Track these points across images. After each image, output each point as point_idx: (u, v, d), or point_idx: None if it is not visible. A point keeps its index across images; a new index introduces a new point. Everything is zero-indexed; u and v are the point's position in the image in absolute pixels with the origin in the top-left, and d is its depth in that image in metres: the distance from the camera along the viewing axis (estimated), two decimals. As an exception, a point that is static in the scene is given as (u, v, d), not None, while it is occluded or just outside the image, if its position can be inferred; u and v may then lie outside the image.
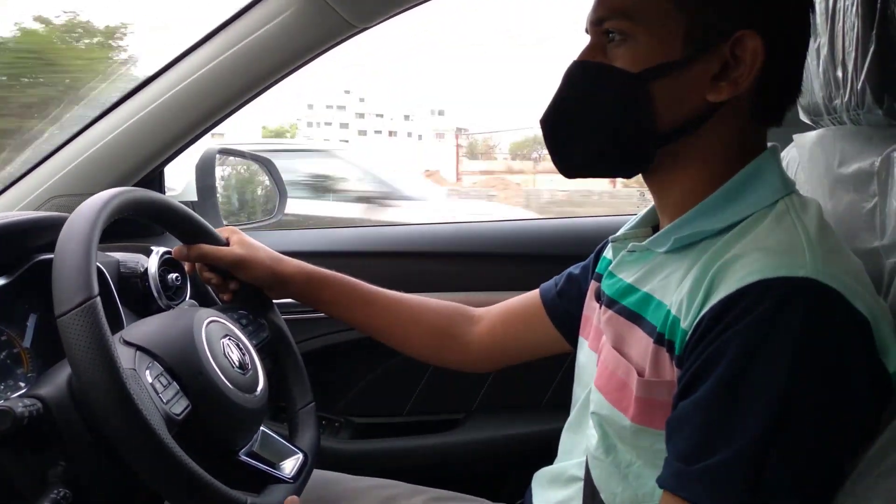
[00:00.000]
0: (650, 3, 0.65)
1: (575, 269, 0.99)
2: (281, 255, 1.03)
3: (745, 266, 0.58)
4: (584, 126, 0.70)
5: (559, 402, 1.11)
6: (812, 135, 0.80)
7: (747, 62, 0.64)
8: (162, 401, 0.71)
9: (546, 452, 0.93)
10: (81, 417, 0.68)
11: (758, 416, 0.54)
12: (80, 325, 0.64)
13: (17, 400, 0.66)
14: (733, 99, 0.66)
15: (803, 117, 0.81)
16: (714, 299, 0.59)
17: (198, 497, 0.67)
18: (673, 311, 0.64)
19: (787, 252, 0.59)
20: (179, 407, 0.73)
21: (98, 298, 0.66)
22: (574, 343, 0.93)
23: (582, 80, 0.70)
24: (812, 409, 0.54)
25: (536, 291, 1.02)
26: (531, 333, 1.01)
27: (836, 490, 0.56)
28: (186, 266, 1.03)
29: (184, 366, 0.76)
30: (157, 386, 0.72)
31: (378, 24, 1.17)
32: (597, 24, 0.68)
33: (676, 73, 0.65)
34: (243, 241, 1.01)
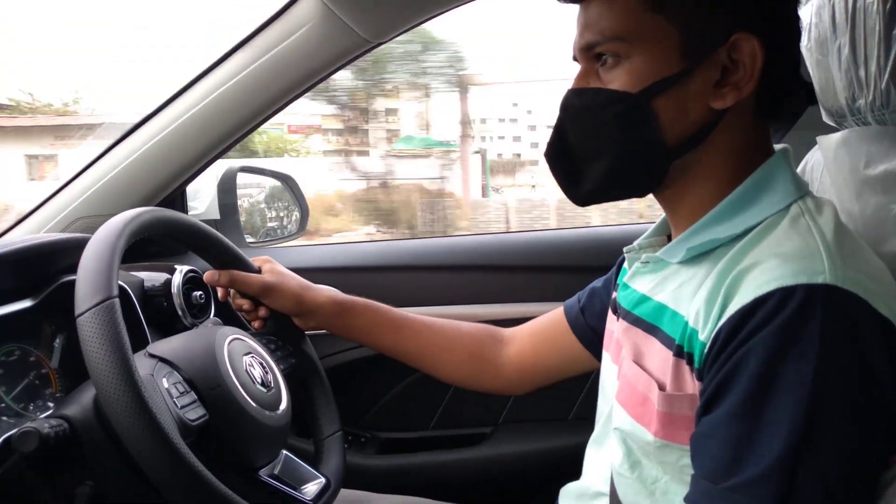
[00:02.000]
0: (641, 21, 0.64)
1: (597, 282, 0.98)
2: (311, 285, 1.03)
3: (762, 273, 0.57)
4: (590, 153, 0.69)
5: (586, 416, 1.09)
6: (836, 136, 0.78)
7: (747, 65, 0.63)
8: (177, 406, 0.71)
9: (573, 466, 0.92)
10: (108, 437, 0.69)
11: (784, 429, 0.53)
12: (97, 323, 0.64)
13: (44, 420, 0.67)
14: (738, 103, 0.65)
15: (826, 119, 0.80)
16: (732, 309, 0.57)
17: (204, 500, 0.66)
18: (690, 323, 0.62)
19: (805, 258, 0.57)
20: (194, 414, 0.73)
21: (117, 300, 0.67)
22: (601, 358, 0.92)
23: (580, 108, 0.69)
24: (839, 418, 0.53)
25: (561, 309, 1.01)
26: (559, 353, 1.01)
27: (870, 500, 0.54)
28: (220, 292, 1.04)
29: (202, 377, 0.77)
30: (174, 391, 0.72)
31: (392, 39, 1.18)
32: (586, 50, 0.68)
33: (677, 87, 0.64)
34: (274, 270, 1.02)
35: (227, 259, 0.97)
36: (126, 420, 0.63)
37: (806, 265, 0.56)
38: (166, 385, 0.72)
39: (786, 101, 0.68)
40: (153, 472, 0.64)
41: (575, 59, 0.71)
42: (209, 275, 0.98)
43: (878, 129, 0.72)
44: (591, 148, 0.69)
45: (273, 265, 1.02)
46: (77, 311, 0.66)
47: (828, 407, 0.52)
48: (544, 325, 1.03)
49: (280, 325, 1.03)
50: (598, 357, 0.94)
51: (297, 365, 1.00)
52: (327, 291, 1.04)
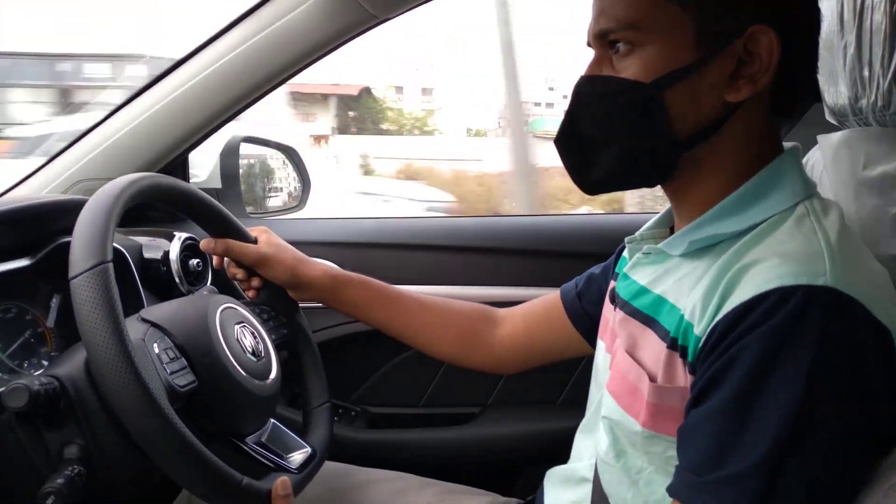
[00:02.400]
0: (656, 10, 0.63)
1: (595, 269, 0.98)
2: (306, 258, 1.03)
3: (763, 272, 0.57)
4: (601, 142, 0.69)
5: (575, 400, 1.10)
6: (837, 136, 0.77)
7: (763, 58, 0.62)
8: (167, 371, 0.72)
9: (560, 450, 0.93)
10: (97, 397, 0.69)
11: (772, 427, 0.53)
12: (90, 286, 0.65)
13: (35, 378, 0.67)
14: (753, 96, 0.64)
15: (829, 117, 0.79)
16: (729, 305, 0.57)
17: (189, 465, 0.67)
18: (686, 316, 0.62)
19: (807, 259, 0.57)
20: (184, 380, 0.74)
21: (111, 264, 0.67)
22: (594, 345, 0.92)
23: (592, 95, 0.68)
24: (829, 421, 0.53)
25: (557, 293, 1.02)
26: (553, 336, 1.01)
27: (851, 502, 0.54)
28: (214, 260, 1.04)
29: (193, 344, 0.77)
30: (164, 357, 0.73)
31: (399, 14, 1.17)
32: (600, 37, 0.67)
33: (691, 78, 0.63)
34: (270, 241, 1.01)
35: (223, 228, 0.97)
36: (115, 384, 0.63)
37: (808, 266, 0.56)
38: (157, 350, 0.73)
39: (801, 97, 0.68)
40: (141, 436, 0.65)
41: (589, 44, 0.70)
42: (205, 242, 0.99)
43: (879, 131, 0.72)
44: (602, 136, 0.68)
45: (270, 236, 1.02)
46: (71, 274, 0.66)
47: (818, 409, 0.53)
48: (539, 307, 1.04)
49: (274, 295, 1.03)
50: (592, 343, 0.95)
51: (289, 335, 1.00)
52: (322, 265, 1.04)
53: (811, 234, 0.60)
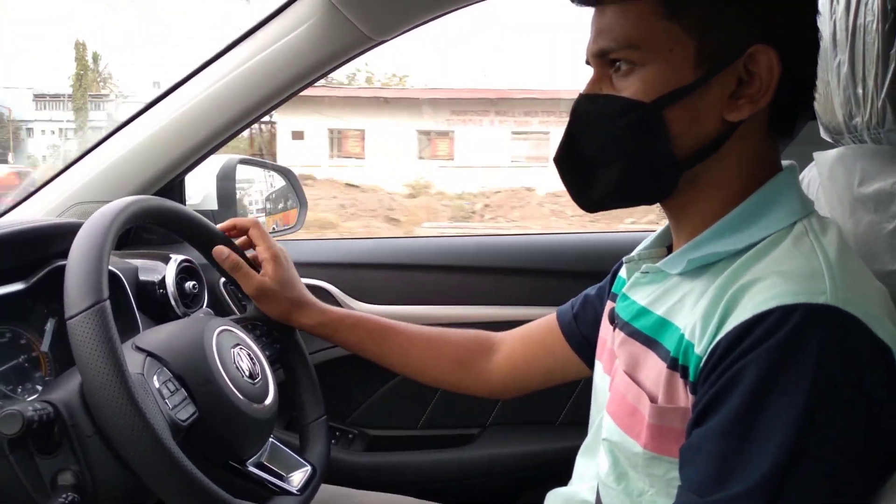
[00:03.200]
0: (655, 30, 0.63)
1: (591, 290, 0.98)
2: (305, 301, 1.02)
3: (763, 291, 0.57)
4: (600, 161, 0.68)
5: (575, 421, 1.09)
6: (832, 153, 0.78)
7: (763, 77, 0.62)
8: (168, 406, 0.71)
9: (560, 472, 0.92)
10: (91, 423, 0.69)
11: (774, 447, 0.52)
12: (89, 328, 0.64)
13: (28, 404, 0.66)
14: (753, 115, 0.64)
15: (824, 135, 0.80)
16: (730, 325, 0.57)
17: (197, 500, 0.67)
18: (686, 336, 0.62)
19: (807, 277, 0.57)
20: (185, 413, 0.73)
21: (108, 302, 0.67)
22: (593, 367, 0.92)
23: (592, 114, 0.68)
24: (831, 441, 0.52)
25: (553, 316, 1.01)
26: (550, 359, 1.00)
27: None
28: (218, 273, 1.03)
29: (192, 373, 0.76)
30: (164, 391, 0.72)
31: (396, 37, 1.18)
32: (600, 56, 0.67)
33: (691, 97, 0.63)
34: (278, 276, 0.99)
35: (208, 241, 0.97)
36: (119, 424, 0.63)
37: (808, 285, 0.56)
38: (157, 385, 0.72)
39: (801, 116, 0.68)
40: (148, 475, 0.65)
41: (588, 62, 0.70)
42: (218, 250, 0.97)
43: (874, 148, 0.72)
44: (601, 155, 0.68)
45: (278, 270, 1.00)
46: (67, 314, 0.66)
47: (819, 428, 0.52)
48: (536, 330, 1.03)
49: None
50: (590, 364, 0.94)
51: (283, 351, 1.00)
52: (314, 313, 1.02)
53: (810, 252, 0.60)
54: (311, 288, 1.11)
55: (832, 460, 0.52)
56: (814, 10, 0.66)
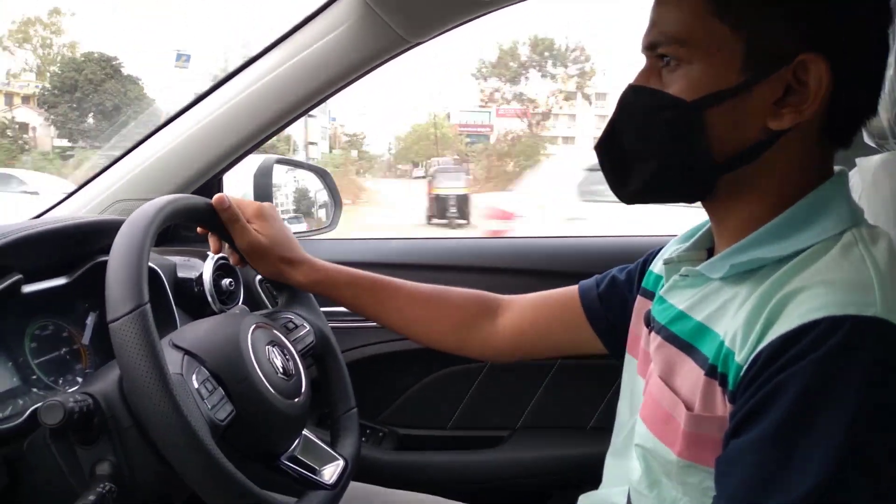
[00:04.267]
0: (704, 27, 0.62)
1: (619, 273, 0.95)
2: (295, 257, 0.98)
3: (809, 300, 0.55)
4: (638, 154, 0.67)
5: (606, 426, 1.08)
6: (876, 159, 0.76)
7: (812, 88, 0.60)
8: (207, 406, 0.72)
9: (591, 476, 0.91)
10: (130, 416, 0.70)
11: (817, 463, 0.50)
12: (131, 332, 0.66)
13: (69, 395, 0.68)
14: (800, 124, 0.62)
15: (868, 140, 0.78)
16: (774, 334, 0.55)
17: (238, 502, 0.69)
18: (727, 343, 0.60)
19: (856, 288, 0.55)
20: (224, 413, 0.74)
21: (148, 306, 0.68)
22: (613, 351, 0.90)
23: (635, 105, 0.67)
24: (878, 459, 0.51)
25: (574, 288, 0.98)
26: (563, 330, 0.98)
27: None
28: (212, 244, 0.99)
29: (229, 371, 0.78)
30: (203, 392, 0.73)
31: (431, 38, 1.18)
32: (650, 49, 0.66)
33: (733, 101, 0.62)
34: (265, 230, 0.96)
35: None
36: (163, 427, 0.65)
37: (857, 296, 0.54)
38: (196, 385, 0.73)
39: (853, 128, 0.65)
40: (188, 475, 0.67)
41: (644, 52, 0.69)
42: (219, 197, 0.91)
43: (920, 154, 0.70)
44: (639, 148, 0.67)
45: (265, 224, 0.96)
46: (110, 317, 0.67)
47: (867, 446, 0.50)
48: (552, 300, 1.00)
49: (297, 300, 1.03)
50: (610, 349, 0.93)
51: (315, 344, 1.00)
52: (306, 269, 0.99)
53: (860, 262, 0.58)
54: None
55: (881, 480, 0.51)
56: (883, 20, 0.62)
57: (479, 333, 1.02)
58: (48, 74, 24.87)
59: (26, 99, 24.70)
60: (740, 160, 0.64)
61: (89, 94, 22.06)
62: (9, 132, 22.20)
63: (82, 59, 23.67)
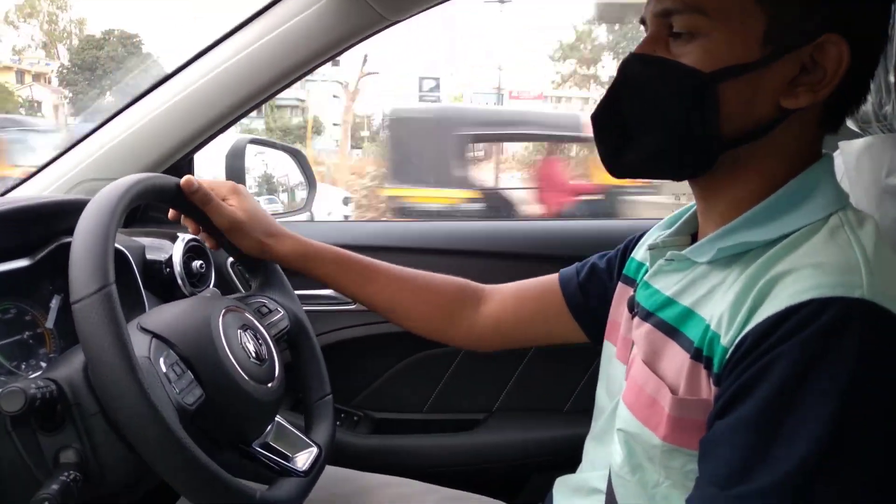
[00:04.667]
0: None
1: (599, 260, 0.95)
2: (277, 230, 0.97)
3: (797, 282, 0.55)
4: (641, 125, 0.66)
5: (583, 408, 1.08)
6: (859, 142, 0.76)
7: (830, 69, 0.59)
8: (175, 390, 0.70)
9: (567, 458, 0.91)
10: (95, 401, 0.68)
11: (803, 443, 0.50)
12: (95, 313, 0.63)
13: (31, 381, 0.66)
14: (808, 105, 0.61)
15: (850, 124, 0.78)
16: (760, 316, 0.55)
17: (206, 488, 0.67)
18: (712, 326, 0.60)
19: (843, 270, 0.55)
20: (192, 397, 0.72)
21: (113, 286, 0.65)
22: (595, 340, 0.90)
23: (642, 75, 0.65)
24: (864, 439, 0.51)
25: (555, 277, 0.98)
26: (544, 321, 0.98)
27: None
28: (189, 225, 0.97)
29: (198, 355, 0.75)
30: (171, 375, 0.71)
31: (410, 17, 1.16)
32: (662, 17, 0.64)
33: (750, 76, 0.60)
34: (244, 206, 0.94)
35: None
36: (128, 411, 0.62)
37: (844, 278, 0.54)
38: (164, 369, 0.71)
39: (850, 110, 0.65)
40: (155, 461, 0.65)
41: (643, 21, 0.67)
42: (187, 180, 0.88)
43: (903, 137, 0.70)
44: (643, 119, 0.66)
45: (242, 200, 0.94)
46: (73, 298, 0.64)
47: (853, 427, 0.50)
48: (533, 289, 1.00)
49: (270, 283, 1.01)
50: (591, 336, 0.93)
51: (289, 329, 0.99)
52: (292, 240, 0.98)
53: (847, 245, 0.58)
54: None
55: (865, 461, 0.51)
56: (891, 1, 0.62)
57: (462, 322, 1.01)
58: (65, 52, 24.35)
59: (37, 77, 24.04)
60: (747, 137, 0.63)
61: (110, 72, 21.63)
62: (22, 110, 21.67)
63: (102, 36, 23.25)
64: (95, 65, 22.23)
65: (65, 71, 23.41)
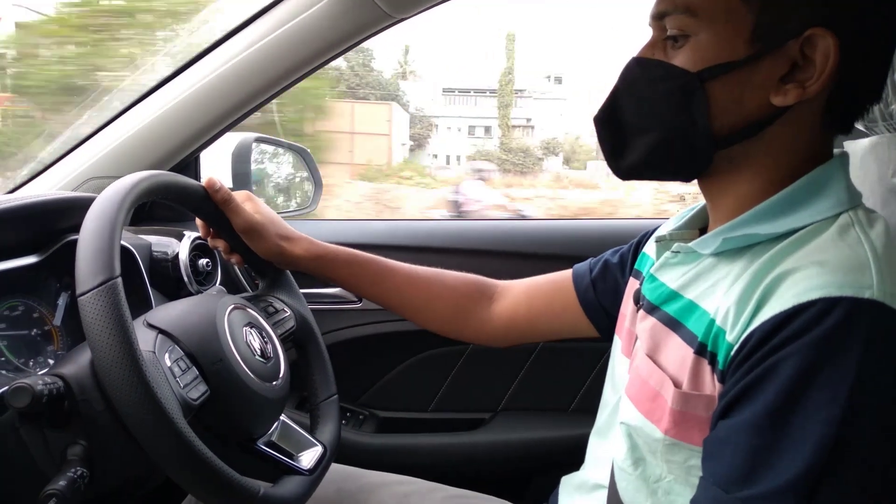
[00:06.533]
0: None
1: (612, 256, 0.95)
2: (291, 233, 0.99)
3: (804, 280, 0.54)
4: (638, 127, 0.67)
5: (588, 408, 1.08)
6: (865, 142, 0.75)
7: (818, 64, 0.59)
8: (179, 385, 0.71)
9: (572, 458, 0.91)
10: (102, 398, 0.68)
11: (809, 446, 0.50)
12: (100, 306, 0.63)
13: (39, 377, 0.66)
14: (803, 103, 0.61)
15: (857, 123, 0.77)
16: (767, 313, 0.55)
17: (210, 483, 0.67)
18: (717, 322, 0.60)
19: (852, 270, 0.54)
20: (197, 392, 0.72)
21: (119, 279, 0.66)
22: (606, 336, 0.90)
23: (638, 77, 0.67)
24: (872, 443, 0.50)
25: (568, 273, 0.99)
26: (557, 316, 0.98)
27: None
28: (201, 229, 0.99)
29: (204, 351, 0.76)
30: (176, 370, 0.71)
31: (416, 14, 1.16)
32: (658, 19, 0.65)
33: (737, 73, 0.61)
34: (259, 209, 0.96)
35: (220, 217, 0.94)
36: (129, 402, 0.63)
37: (853, 278, 0.53)
38: (168, 363, 0.71)
39: (858, 111, 0.65)
40: (158, 454, 0.65)
41: (650, 25, 0.68)
42: (210, 180, 0.91)
43: (910, 137, 0.70)
44: (639, 121, 0.67)
45: (256, 204, 0.97)
46: (78, 290, 0.65)
47: (860, 430, 0.50)
48: (547, 285, 1.01)
49: (277, 283, 1.02)
50: (602, 332, 0.93)
51: (295, 329, 0.99)
52: (307, 243, 0.99)
53: (857, 244, 0.57)
54: None
55: (872, 465, 0.50)
56: (892, 6, 0.61)
57: (475, 317, 1.02)
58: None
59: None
60: (739, 135, 0.63)
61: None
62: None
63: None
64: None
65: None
